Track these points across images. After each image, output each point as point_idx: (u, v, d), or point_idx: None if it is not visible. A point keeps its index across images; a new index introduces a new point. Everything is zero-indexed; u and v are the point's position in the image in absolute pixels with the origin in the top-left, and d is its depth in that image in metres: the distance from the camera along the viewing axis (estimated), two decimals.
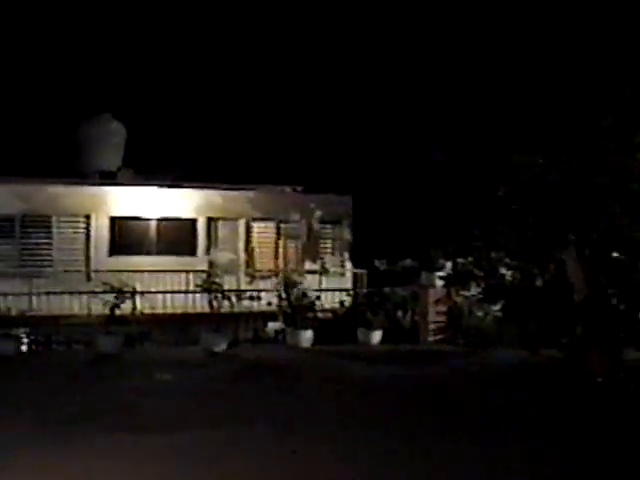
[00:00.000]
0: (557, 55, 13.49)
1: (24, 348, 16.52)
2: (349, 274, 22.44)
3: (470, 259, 17.22)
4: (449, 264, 17.39)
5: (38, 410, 9.73)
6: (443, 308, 17.17)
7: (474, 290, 17.04)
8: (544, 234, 13.77)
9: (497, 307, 16.70)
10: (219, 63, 27.65)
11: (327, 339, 16.74)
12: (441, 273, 17.28)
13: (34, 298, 18.16)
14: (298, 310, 17.30)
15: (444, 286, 17.25)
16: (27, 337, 16.83)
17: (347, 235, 23.08)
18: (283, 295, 17.61)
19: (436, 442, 8.26)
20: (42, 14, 26.92)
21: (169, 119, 26.91)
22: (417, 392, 11.48)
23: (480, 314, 16.81)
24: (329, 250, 23.08)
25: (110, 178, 22.60)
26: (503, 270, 15.83)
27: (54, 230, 20.53)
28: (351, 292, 20.42)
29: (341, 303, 19.27)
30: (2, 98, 25.64)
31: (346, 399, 10.81)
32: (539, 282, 14.87)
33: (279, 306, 17.63)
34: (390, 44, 22.77)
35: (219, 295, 17.04)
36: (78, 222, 20.81)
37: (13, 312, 16.66)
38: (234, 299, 17.93)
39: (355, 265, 22.41)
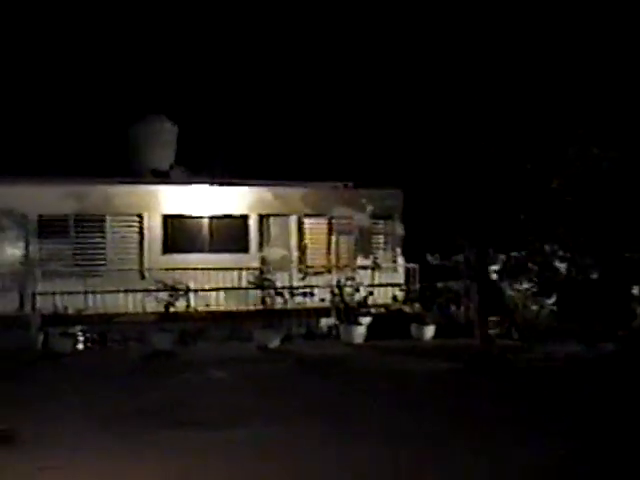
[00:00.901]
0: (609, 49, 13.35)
1: (80, 346, 16.84)
2: (401, 269, 22.37)
3: (524, 253, 17.13)
4: (502, 258, 17.30)
5: (99, 406, 9.93)
6: (496, 302, 17.06)
7: (528, 284, 16.94)
8: (601, 225, 13.63)
9: (551, 301, 16.59)
10: (269, 60, 27.79)
11: (380, 334, 16.77)
12: (494, 267, 17.20)
13: (89, 297, 18.47)
14: (351, 306, 17.37)
15: (498, 280, 17.16)
16: (83, 335, 17.14)
17: (399, 230, 23.00)
18: (336, 291, 17.70)
19: (503, 439, 8.23)
20: (92, 15, 27.31)
21: (220, 117, 27.12)
22: (474, 388, 11.45)
23: (534, 308, 16.70)
24: (381, 245, 23.03)
25: (162, 177, 22.83)
26: (557, 263, 15.72)
27: (108, 229, 20.81)
28: (404, 287, 20.40)
29: (394, 298, 19.28)
30: (57, 99, 26.10)
31: (400, 395, 10.83)
32: (594, 275, 14.73)
33: (332, 302, 17.71)
34: (442, 36, 22.68)
35: (272, 292, 17.18)
36: (131, 221, 21.07)
37: (70, 311, 17.01)
38: (287, 295, 18.10)
39: (407, 260, 22.32)
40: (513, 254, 16.99)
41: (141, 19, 27.63)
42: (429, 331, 16.86)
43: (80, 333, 17.00)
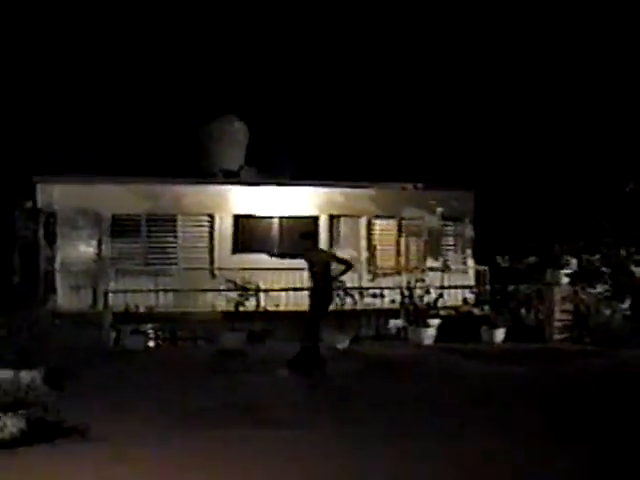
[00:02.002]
0: None
1: (151, 343, 17.15)
2: (471, 271, 22.28)
3: (597, 256, 16.90)
4: (575, 261, 17.10)
5: (172, 403, 10.11)
6: (569, 306, 16.88)
7: (601, 288, 16.71)
8: None
9: (625, 305, 16.33)
10: (338, 59, 27.88)
11: (449, 337, 16.71)
12: (567, 270, 17.00)
13: (160, 295, 18.81)
14: (420, 308, 17.35)
15: (570, 284, 16.96)
16: (154, 333, 17.44)
17: (469, 231, 22.90)
18: (405, 292, 17.69)
19: (565, 445, 8.18)
20: (162, 16, 27.74)
21: (290, 117, 27.30)
22: (544, 393, 11.35)
23: (608, 312, 16.45)
24: (451, 247, 22.97)
25: (233, 177, 23.09)
26: (632, 267, 15.47)
27: (179, 229, 21.15)
28: (474, 290, 20.30)
29: (464, 301, 19.20)
30: (129, 99, 26.59)
31: (468, 398, 10.80)
32: None
33: (401, 303, 17.71)
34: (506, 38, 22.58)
35: (341, 292, 17.24)
36: (202, 221, 21.38)
37: (141, 309, 17.34)
38: (356, 296, 18.16)
39: (477, 262, 22.22)
40: (586, 257, 16.79)
41: (212, 18, 27.98)
42: (499, 334, 16.74)
43: (151, 331, 17.31)
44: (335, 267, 13.90)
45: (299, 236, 14.74)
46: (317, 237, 21.87)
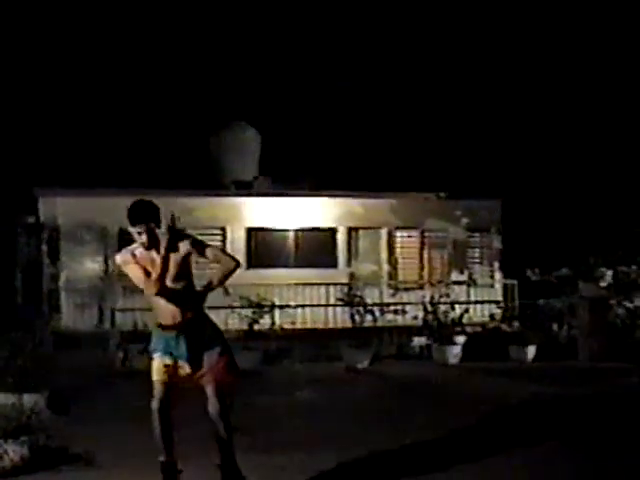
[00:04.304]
0: None
1: None
2: (499, 285, 22.16)
3: (634, 267, 16.76)
4: (610, 273, 16.94)
5: (184, 427, 10.04)
6: (604, 321, 16.72)
7: (639, 301, 16.55)
8: None
9: None
10: (357, 65, 27.91)
11: (476, 355, 16.59)
12: (602, 283, 16.86)
13: None
14: (445, 324, 17.23)
15: (605, 297, 16.80)
16: None
17: (496, 243, 22.80)
18: (429, 308, 17.58)
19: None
20: (172, 23, 27.86)
21: (306, 124, 27.32)
22: (582, 414, 11.21)
23: None
24: (477, 260, 22.87)
25: (246, 188, 23.10)
26: None
27: None
28: (501, 304, 20.19)
29: (491, 316, 19.08)
30: (134, 107, 26.67)
31: (499, 422, 10.68)
32: None
33: (424, 320, 17.60)
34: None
35: (361, 309, 17.16)
36: (214, 234, 21.36)
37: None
38: (377, 313, 18.05)
39: (505, 275, 22.11)
40: (622, 269, 16.64)
41: (220, 24, 28.07)
42: (530, 352, 16.59)
43: None
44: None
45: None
46: (336, 251, 21.83)
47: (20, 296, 20.17)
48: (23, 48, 26.55)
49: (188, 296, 6.78)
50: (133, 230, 6.73)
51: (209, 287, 6.84)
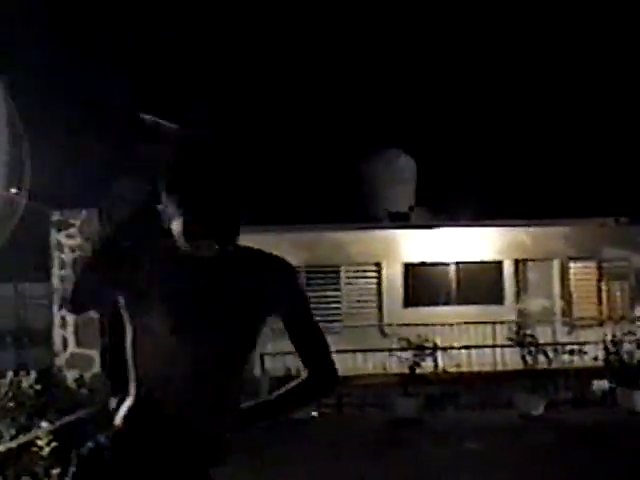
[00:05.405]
0: None
1: (314, 412, 16.91)
2: None
3: None
4: None
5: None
6: None
7: None
8: None
9: None
10: (512, 88, 27.49)
11: None
12: None
13: None
14: (630, 365, 16.46)
15: None
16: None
17: None
18: (611, 348, 16.85)
19: None
20: (321, 48, 28.09)
21: (465, 149, 26.97)
22: None
23: None
24: None
25: (402, 220, 22.87)
26: None
27: (342, 280, 21.01)
28: None
29: None
30: (280, 138, 26.91)
31: None
32: None
33: (606, 361, 16.88)
34: None
35: (533, 349, 16.62)
36: (368, 271, 21.19)
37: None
38: (551, 353, 17.41)
39: None
40: None
41: (369, 46, 28.11)
42: None
43: None
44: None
45: None
46: (502, 285, 21.32)
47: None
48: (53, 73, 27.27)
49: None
50: None
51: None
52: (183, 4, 27.69)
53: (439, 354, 17.52)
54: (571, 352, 17.68)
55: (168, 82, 26.10)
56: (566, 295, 21.60)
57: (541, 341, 17.23)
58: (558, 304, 21.56)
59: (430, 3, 28.77)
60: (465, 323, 19.92)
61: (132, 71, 25.35)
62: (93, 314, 11.47)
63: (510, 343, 17.53)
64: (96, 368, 12.29)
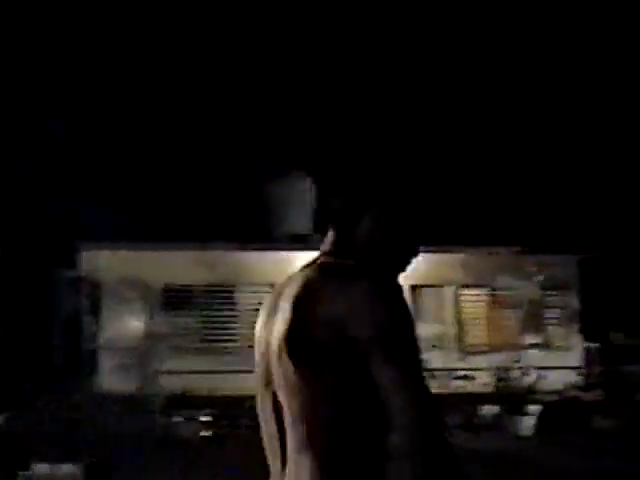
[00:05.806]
0: None
1: (208, 432, 16.87)
2: (579, 349, 21.69)
3: None
4: None
5: None
6: None
7: None
8: None
9: None
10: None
11: (553, 427, 16.17)
12: None
13: (219, 377, 18.57)
14: (518, 392, 16.88)
15: None
16: (212, 420, 17.19)
17: (575, 303, 22.36)
18: (500, 374, 17.27)
19: None
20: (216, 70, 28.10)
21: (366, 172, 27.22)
22: None
23: None
24: (553, 321, 22.43)
25: (302, 242, 22.96)
26: None
27: (239, 301, 21.00)
28: (582, 371, 19.75)
29: (570, 384, 18.67)
30: (182, 158, 26.82)
31: None
32: None
33: (495, 387, 17.28)
34: None
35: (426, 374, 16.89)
36: (263, 292, 21.23)
37: (198, 392, 17.13)
38: (442, 379, 17.75)
39: (586, 338, 21.66)
40: None
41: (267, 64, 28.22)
42: (613, 425, 16.09)
43: (209, 418, 17.04)
44: None
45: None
46: None
47: (58, 355, 20.15)
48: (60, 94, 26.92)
49: None
50: None
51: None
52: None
53: None
54: (462, 377, 18.07)
55: None
56: (458, 322, 21.93)
57: (433, 366, 17.51)
58: (450, 331, 21.87)
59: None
60: None
61: None
62: None
63: None
64: None
